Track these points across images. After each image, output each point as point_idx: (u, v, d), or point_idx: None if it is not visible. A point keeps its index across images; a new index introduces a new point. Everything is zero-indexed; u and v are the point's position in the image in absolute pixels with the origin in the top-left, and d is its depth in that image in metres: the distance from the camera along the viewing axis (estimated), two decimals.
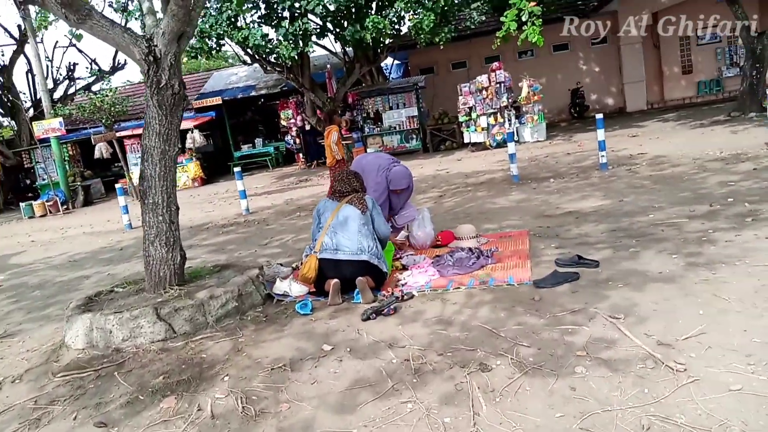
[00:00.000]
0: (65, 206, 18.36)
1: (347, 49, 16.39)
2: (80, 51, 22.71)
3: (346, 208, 4.56)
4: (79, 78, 22.72)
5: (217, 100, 20.82)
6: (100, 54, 58.93)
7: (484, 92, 15.26)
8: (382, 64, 20.47)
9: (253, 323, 4.25)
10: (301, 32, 12.96)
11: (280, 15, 13.48)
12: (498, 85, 15.20)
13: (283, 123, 20.10)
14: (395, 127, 18.13)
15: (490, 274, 4.60)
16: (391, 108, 18.29)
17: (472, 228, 5.71)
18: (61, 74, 22.64)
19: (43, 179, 19.87)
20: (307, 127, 18.90)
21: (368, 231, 4.52)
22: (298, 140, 19.51)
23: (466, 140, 15.91)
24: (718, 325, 3.16)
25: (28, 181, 21.82)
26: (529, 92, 15.42)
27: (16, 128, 21.75)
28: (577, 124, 18.65)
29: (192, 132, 19.49)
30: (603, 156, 9.14)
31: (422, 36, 13.59)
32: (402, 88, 18.19)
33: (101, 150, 19.66)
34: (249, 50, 13.68)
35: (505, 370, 3.02)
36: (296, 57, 13.22)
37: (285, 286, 4.74)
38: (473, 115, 15.47)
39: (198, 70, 30.59)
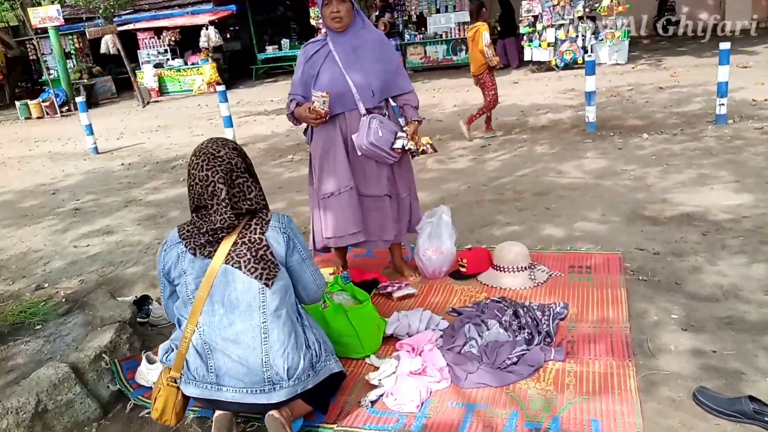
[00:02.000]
0: (65, 107, 16.40)
1: None
2: None
3: (227, 276, 2.07)
4: None
5: None
6: None
7: None
8: None
9: None
10: None
11: None
12: None
13: (312, 23, 17.23)
14: (441, 36, 15.12)
15: (552, 401, 2.24)
16: (438, 11, 15.19)
17: (523, 252, 3.27)
18: None
19: (50, 74, 17.78)
20: None
21: (288, 321, 2.11)
22: None
23: (526, 57, 12.90)
24: None
25: (35, 75, 19.94)
26: (612, 1, 12.15)
27: (22, 14, 19.49)
28: (663, 43, 15.23)
29: (207, 29, 16.91)
30: (722, 105, 6.33)
31: None
32: None
33: (107, 44, 17.41)
34: None
35: None
36: None
37: (153, 374, 2.52)
38: (538, 27, 12.38)
39: None
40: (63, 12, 16.59)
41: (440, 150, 6.54)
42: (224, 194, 2.06)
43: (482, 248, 3.52)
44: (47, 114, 15.77)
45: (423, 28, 15.36)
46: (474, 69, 6.90)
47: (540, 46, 12.40)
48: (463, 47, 14.96)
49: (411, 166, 3.36)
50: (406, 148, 3.08)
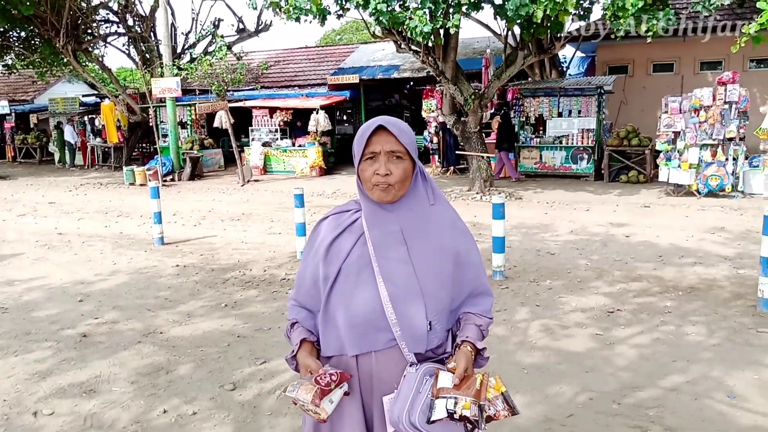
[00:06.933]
0: (169, 177, 16.45)
1: (514, 30, 12.20)
2: (228, 6, 20.68)
3: None
4: (224, 36, 20.76)
5: (353, 78, 17.67)
6: (246, 12, 58.68)
7: (702, 114, 10.33)
8: (560, 55, 15.93)
9: None
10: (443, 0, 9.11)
11: None
12: (727, 107, 10.20)
13: (424, 115, 16.46)
14: (561, 140, 13.67)
15: None
16: (560, 114, 13.84)
17: None
18: (204, 30, 20.84)
19: (164, 142, 18.16)
20: (449, 124, 15.08)
21: None
22: (435, 138, 15.75)
23: (661, 177, 11.10)
24: None
25: (147, 142, 20.62)
26: None
27: (149, 82, 20.41)
28: None
29: (317, 113, 16.54)
30: None
31: (622, 20, 9.05)
32: (580, 90, 13.63)
33: (221, 119, 17.54)
34: (371, 18, 10.12)
35: None
36: (430, 34, 9.40)
37: None
38: (679, 144, 10.62)
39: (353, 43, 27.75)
40: (183, 84, 17.00)
41: (551, 308, 4.98)
42: None
43: None
44: (149, 181, 15.81)
45: (541, 131, 14.03)
46: None
47: (680, 167, 10.58)
48: (585, 156, 13.39)
49: None
50: (457, 415, 1.63)
